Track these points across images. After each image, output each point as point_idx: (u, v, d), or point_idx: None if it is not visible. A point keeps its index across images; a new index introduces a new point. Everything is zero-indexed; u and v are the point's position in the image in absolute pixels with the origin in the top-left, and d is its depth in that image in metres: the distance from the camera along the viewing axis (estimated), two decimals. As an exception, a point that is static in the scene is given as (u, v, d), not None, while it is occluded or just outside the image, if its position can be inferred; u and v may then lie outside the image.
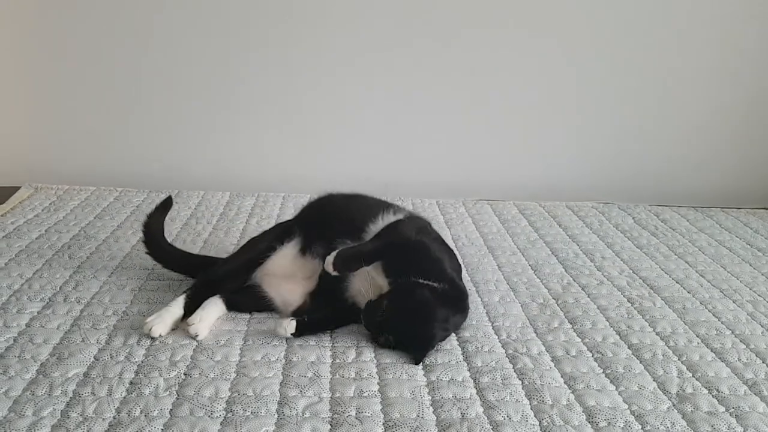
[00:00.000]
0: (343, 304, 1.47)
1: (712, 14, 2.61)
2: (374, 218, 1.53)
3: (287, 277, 1.51)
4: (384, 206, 1.59)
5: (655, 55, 2.65)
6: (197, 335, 1.37)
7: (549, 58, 2.63)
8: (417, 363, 1.33)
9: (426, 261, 1.44)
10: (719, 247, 2.17)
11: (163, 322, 1.39)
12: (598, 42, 2.63)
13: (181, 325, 1.41)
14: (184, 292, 1.48)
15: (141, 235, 1.68)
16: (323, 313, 1.45)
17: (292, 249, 1.55)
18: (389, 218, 1.54)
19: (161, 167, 2.65)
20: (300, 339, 1.39)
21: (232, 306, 1.50)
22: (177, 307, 1.43)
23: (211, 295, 1.48)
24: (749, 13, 2.62)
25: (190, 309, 1.43)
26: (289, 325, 1.38)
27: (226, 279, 1.53)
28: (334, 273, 1.41)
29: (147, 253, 1.66)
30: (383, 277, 1.42)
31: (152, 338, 1.36)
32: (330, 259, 1.41)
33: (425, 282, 1.39)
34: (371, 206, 1.59)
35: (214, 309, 1.45)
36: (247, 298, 1.52)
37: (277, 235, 1.58)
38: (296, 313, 1.47)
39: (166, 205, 1.72)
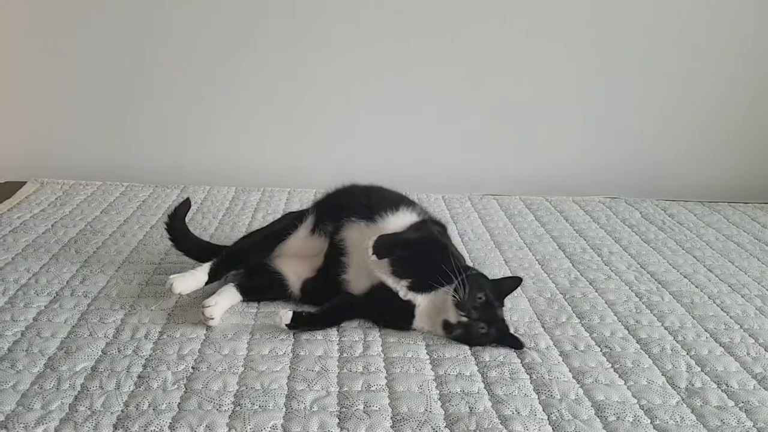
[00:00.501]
0: (341, 287, 1.49)
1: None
2: (394, 209, 1.54)
3: (298, 255, 1.55)
4: (406, 202, 1.61)
5: (660, 48, 2.65)
6: (212, 317, 1.38)
7: (553, 52, 2.63)
8: (521, 346, 1.37)
9: (450, 264, 1.41)
10: (727, 242, 2.16)
11: (185, 281, 1.42)
12: (602, 37, 2.63)
13: (191, 319, 1.41)
14: (210, 260, 1.51)
15: (165, 226, 1.68)
16: (322, 309, 1.45)
17: (304, 230, 1.57)
18: (411, 216, 1.55)
19: (165, 164, 2.65)
20: (307, 333, 1.39)
21: (246, 292, 1.51)
22: (202, 272, 1.46)
23: (235, 267, 1.52)
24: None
25: (213, 277, 1.47)
26: (285, 316, 1.37)
27: (252, 251, 1.56)
28: (373, 257, 1.39)
29: (172, 244, 1.67)
30: (389, 274, 1.41)
31: (174, 294, 1.43)
32: (369, 242, 1.40)
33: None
34: (392, 198, 1.61)
35: (228, 296, 1.47)
36: (260, 277, 1.54)
37: (296, 216, 1.62)
38: (306, 285, 1.51)
39: (185, 206, 1.73)
